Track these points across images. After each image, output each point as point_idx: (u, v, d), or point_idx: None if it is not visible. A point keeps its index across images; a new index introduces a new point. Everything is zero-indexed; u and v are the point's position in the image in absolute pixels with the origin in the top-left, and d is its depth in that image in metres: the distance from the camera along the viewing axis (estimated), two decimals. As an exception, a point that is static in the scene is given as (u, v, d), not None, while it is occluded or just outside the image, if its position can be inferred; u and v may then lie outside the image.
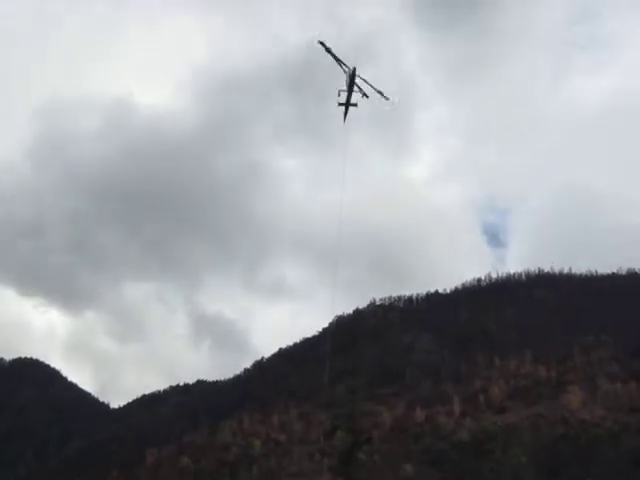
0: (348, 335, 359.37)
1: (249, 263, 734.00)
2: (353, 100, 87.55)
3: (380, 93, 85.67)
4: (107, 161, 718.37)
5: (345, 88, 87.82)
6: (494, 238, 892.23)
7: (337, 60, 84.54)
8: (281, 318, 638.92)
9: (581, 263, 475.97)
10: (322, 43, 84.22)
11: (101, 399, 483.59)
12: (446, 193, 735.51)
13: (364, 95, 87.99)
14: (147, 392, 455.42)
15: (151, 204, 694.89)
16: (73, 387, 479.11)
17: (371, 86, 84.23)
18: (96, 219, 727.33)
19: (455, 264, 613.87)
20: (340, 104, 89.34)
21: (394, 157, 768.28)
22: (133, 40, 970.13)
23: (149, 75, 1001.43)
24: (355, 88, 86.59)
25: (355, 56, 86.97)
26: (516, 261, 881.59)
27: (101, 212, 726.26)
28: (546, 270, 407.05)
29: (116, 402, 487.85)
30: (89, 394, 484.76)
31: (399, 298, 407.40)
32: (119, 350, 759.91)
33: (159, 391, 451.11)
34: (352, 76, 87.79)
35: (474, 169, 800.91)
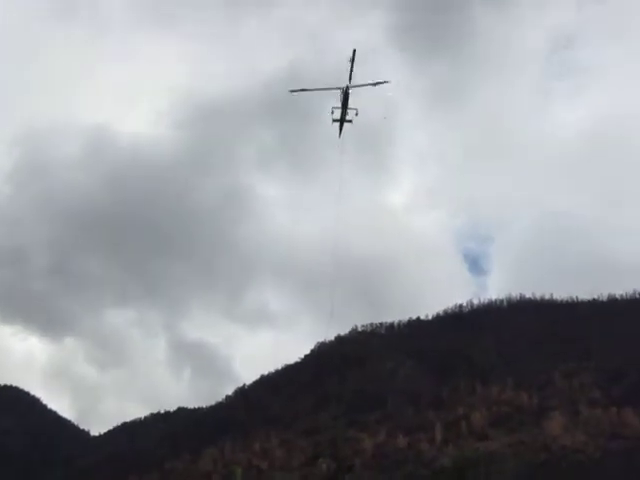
0: (330, 362, 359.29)
1: (231, 290, 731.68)
2: (347, 117, 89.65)
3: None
4: (87, 188, 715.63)
5: (338, 105, 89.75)
6: (475, 265, 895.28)
7: (321, 90, 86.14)
8: (263, 345, 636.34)
9: (562, 289, 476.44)
10: (294, 90, 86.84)
11: (81, 426, 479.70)
12: (427, 220, 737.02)
13: (356, 113, 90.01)
14: (128, 419, 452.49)
15: (132, 230, 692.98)
16: (53, 414, 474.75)
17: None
18: (76, 245, 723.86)
19: (436, 291, 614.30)
20: (335, 120, 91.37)
21: (376, 183, 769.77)
22: (113, 68, 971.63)
23: (129, 103, 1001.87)
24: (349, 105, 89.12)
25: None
26: (497, 288, 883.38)
27: (81, 238, 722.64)
28: (527, 296, 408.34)
29: (96, 429, 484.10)
30: (69, 421, 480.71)
31: (381, 325, 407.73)
32: (99, 377, 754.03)
33: (140, 418, 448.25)
34: (345, 94, 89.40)
35: (455, 196, 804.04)
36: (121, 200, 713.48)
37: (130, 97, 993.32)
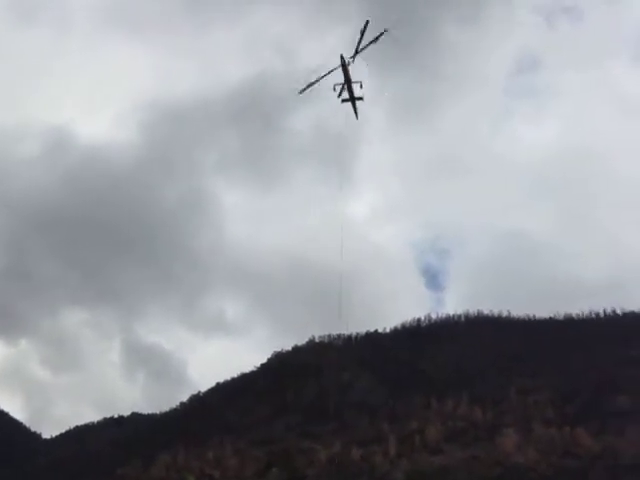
0: (286, 372, 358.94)
1: (188, 295, 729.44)
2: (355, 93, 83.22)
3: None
4: (45, 188, 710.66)
5: (341, 81, 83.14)
6: (433, 280, 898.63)
7: (325, 75, 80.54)
8: (219, 352, 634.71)
9: (519, 307, 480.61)
10: (303, 90, 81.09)
11: (33, 429, 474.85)
12: (387, 233, 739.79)
13: (361, 86, 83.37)
14: (80, 423, 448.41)
15: (90, 232, 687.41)
16: (5, 416, 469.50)
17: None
18: (33, 246, 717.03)
19: (394, 304, 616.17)
20: (344, 100, 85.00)
21: (336, 194, 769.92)
22: (75, 69, 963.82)
23: (92, 105, 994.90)
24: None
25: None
26: (455, 303, 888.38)
27: (38, 239, 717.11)
28: (485, 313, 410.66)
29: (48, 432, 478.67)
30: (21, 423, 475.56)
31: (338, 336, 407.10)
32: (53, 378, 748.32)
33: (93, 422, 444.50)
34: (344, 65, 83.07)
35: (415, 210, 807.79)
36: (79, 202, 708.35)
37: (93, 100, 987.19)
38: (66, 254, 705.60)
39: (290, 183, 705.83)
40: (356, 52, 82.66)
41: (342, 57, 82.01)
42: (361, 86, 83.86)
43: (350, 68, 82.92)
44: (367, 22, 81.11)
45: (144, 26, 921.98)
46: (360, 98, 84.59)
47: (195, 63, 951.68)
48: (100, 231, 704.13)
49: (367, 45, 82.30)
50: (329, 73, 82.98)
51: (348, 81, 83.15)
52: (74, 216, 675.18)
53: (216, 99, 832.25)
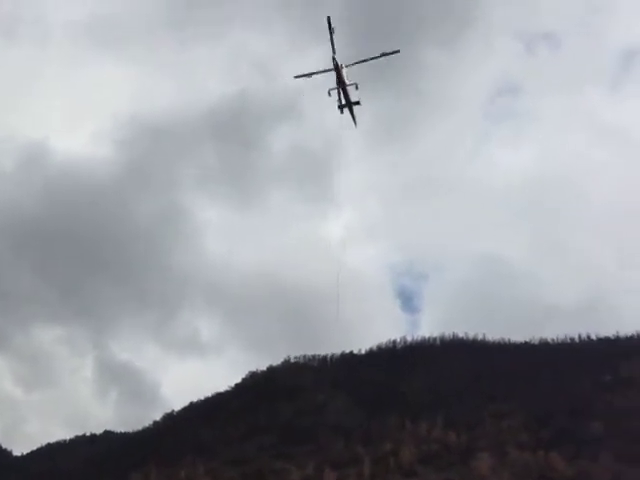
0: (261, 392, 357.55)
1: (163, 313, 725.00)
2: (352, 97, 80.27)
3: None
4: (21, 204, 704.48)
5: (335, 86, 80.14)
6: (409, 302, 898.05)
7: (322, 72, 77.45)
8: (193, 371, 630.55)
9: (495, 331, 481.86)
10: (298, 76, 78.09)
11: (4, 446, 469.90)
12: (364, 254, 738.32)
13: (357, 87, 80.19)
14: (52, 440, 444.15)
15: (66, 248, 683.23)
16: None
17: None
18: (7, 261, 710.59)
19: (370, 326, 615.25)
20: (341, 107, 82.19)
21: (314, 214, 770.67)
22: (54, 84, 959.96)
23: (70, 121, 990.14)
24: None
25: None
26: (430, 326, 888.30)
27: (13, 254, 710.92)
28: (460, 336, 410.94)
29: (19, 450, 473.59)
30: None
31: (313, 357, 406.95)
32: (25, 396, 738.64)
33: (65, 440, 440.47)
34: (336, 67, 79.99)
35: (392, 232, 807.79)
36: (55, 217, 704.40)
37: (72, 115, 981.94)
38: (41, 270, 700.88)
39: (268, 201, 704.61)
40: (334, 52, 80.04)
41: (334, 59, 79.71)
42: (356, 87, 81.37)
43: (344, 72, 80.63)
44: (329, 18, 78.78)
45: (124, 43, 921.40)
46: (357, 103, 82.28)
47: (175, 80, 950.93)
48: (75, 247, 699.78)
49: (372, 59, 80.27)
50: (324, 71, 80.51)
51: (343, 85, 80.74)
52: (49, 232, 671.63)
53: (196, 116, 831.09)
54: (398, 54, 78.12)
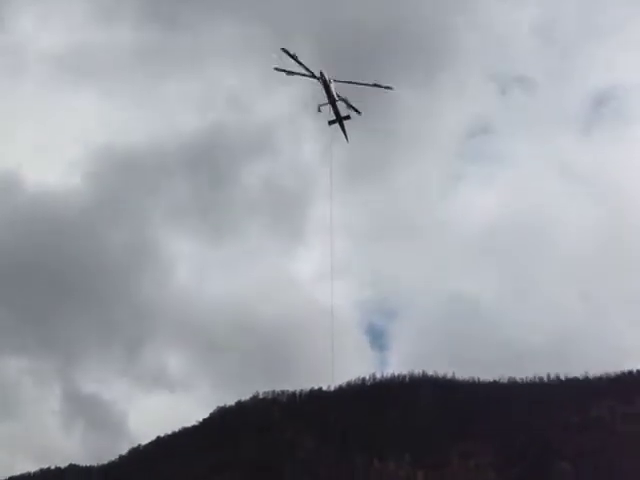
0: (229, 427, 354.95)
1: (130, 346, 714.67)
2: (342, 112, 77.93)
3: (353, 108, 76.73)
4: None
5: (324, 101, 77.48)
6: (379, 339, 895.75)
7: (302, 66, 74.38)
8: (161, 405, 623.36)
9: (463, 370, 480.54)
10: (285, 50, 74.18)
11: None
12: (333, 291, 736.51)
13: (349, 106, 77.83)
14: (16, 473, 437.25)
15: (33, 279, 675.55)
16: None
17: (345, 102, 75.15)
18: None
19: (339, 363, 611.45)
20: (330, 122, 79.70)
21: (286, 249, 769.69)
22: (27, 115, 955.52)
23: (41, 152, 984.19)
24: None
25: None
26: (400, 364, 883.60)
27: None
28: (429, 374, 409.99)
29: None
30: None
31: (282, 393, 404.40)
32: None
33: (29, 473, 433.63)
34: (324, 82, 77.50)
35: (363, 270, 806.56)
36: (24, 247, 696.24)
37: (43, 146, 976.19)
38: (7, 300, 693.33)
39: (240, 236, 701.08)
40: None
41: (322, 74, 77.38)
42: (346, 103, 79.30)
43: (333, 86, 78.52)
44: (321, 72, 77.38)
45: (98, 75, 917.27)
46: (347, 117, 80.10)
47: (148, 112, 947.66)
48: (44, 278, 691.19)
49: (362, 84, 78.60)
50: (307, 76, 77.83)
51: (332, 100, 78.40)
52: (17, 262, 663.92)
53: (168, 149, 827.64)
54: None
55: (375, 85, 79.00)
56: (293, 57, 75.94)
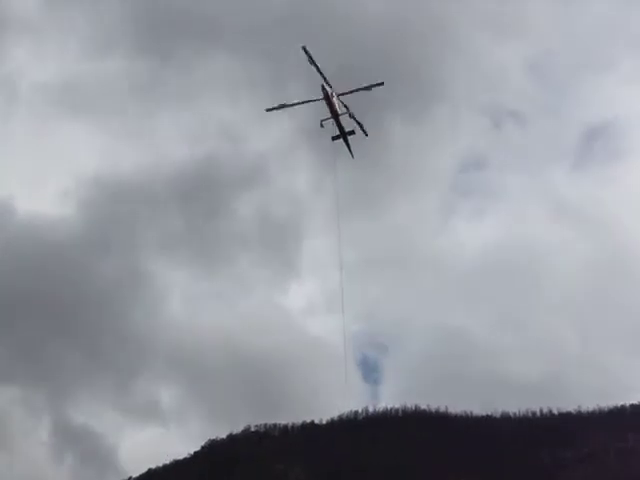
0: (220, 460, 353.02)
1: (122, 377, 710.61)
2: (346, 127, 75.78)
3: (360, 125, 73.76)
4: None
5: (327, 115, 74.78)
6: (371, 373, 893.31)
7: (300, 103, 71.36)
8: (151, 437, 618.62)
9: (457, 403, 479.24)
10: (270, 109, 71.32)
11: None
12: (325, 324, 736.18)
13: (352, 116, 75.14)
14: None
15: (25, 307, 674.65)
16: None
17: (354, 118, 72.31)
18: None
19: (331, 396, 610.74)
20: (334, 138, 77.35)
21: (278, 281, 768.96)
22: (19, 144, 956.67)
23: (32, 180, 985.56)
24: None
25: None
26: (392, 397, 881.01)
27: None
28: (422, 407, 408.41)
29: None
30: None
31: (274, 426, 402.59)
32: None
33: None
34: (326, 95, 74.90)
35: (355, 303, 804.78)
36: (14, 278, 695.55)
37: (35, 176, 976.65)
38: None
39: (232, 267, 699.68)
40: (328, 83, 75.22)
41: (324, 87, 74.72)
42: (350, 115, 76.72)
43: (335, 100, 76.14)
44: (322, 86, 75.31)
45: (91, 107, 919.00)
46: (352, 132, 77.71)
47: (141, 144, 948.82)
48: (35, 308, 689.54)
49: (355, 91, 76.26)
50: (308, 102, 75.94)
51: (335, 114, 75.87)
52: (8, 292, 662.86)
53: (161, 180, 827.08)
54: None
55: (367, 87, 76.40)
56: (310, 58, 73.07)
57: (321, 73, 72.99)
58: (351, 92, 76.03)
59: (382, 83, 76.11)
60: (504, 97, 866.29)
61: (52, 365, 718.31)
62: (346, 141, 78.26)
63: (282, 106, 74.36)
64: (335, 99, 76.12)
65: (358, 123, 77.97)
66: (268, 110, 73.33)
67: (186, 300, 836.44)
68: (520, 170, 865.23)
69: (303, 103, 76.13)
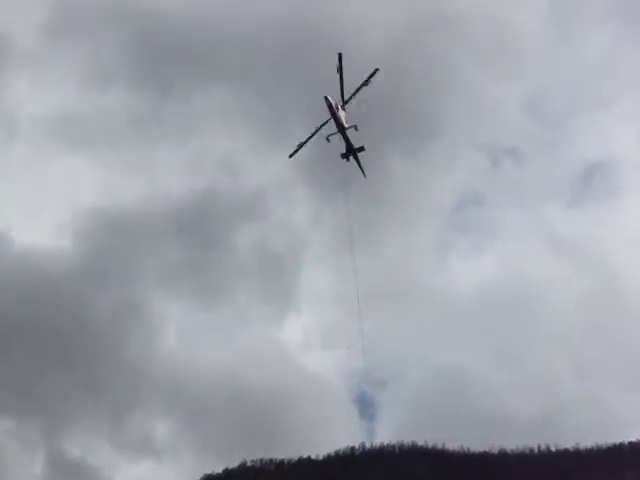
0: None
1: (118, 410, 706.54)
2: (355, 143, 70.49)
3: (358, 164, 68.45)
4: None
5: (333, 130, 70.30)
6: (367, 408, 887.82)
7: (314, 135, 66.36)
8: (147, 471, 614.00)
9: (454, 440, 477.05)
10: (293, 154, 67.31)
11: None
12: (322, 359, 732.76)
13: (356, 128, 69.84)
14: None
15: (20, 339, 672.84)
16: None
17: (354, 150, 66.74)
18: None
19: (327, 432, 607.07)
20: (344, 155, 73.43)
21: (275, 315, 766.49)
22: (17, 176, 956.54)
23: (30, 212, 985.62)
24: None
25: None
26: (389, 433, 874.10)
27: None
28: (420, 444, 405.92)
29: None
30: None
31: (270, 461, 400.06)
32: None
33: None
34: (330, 106, 70.94)
35: (352, 338, 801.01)
36: (10, 309, 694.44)
37: (33, 207, 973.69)
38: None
39: (230, 300, 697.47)
40: (344, 99, 71.87)
41: (327, 99, 71.07)
42: (356, 129, 72.40)
43: (341, 114, 72.11)
44: (325, 97, 72.55)
45: (90, 140, 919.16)
46: (362, 148, 74.38)
47: (139, 177, 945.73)
48: (30, 339, 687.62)
49: (357, 90, 72.48)
50: (321, 127, 72.67)
51: (342, 130, 72.13)
52: (3, 323, 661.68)
53: (159, 213, 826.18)
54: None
55: (365, 82, 73.83)
56: (340, 67, 71.48)
57: (342, 85, 70.85)
58: (353, 95, 73.55)
59: (377, 70, 74.28)
60: (501, 134, 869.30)
61: (47, 397, 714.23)
62: (356, 158, 75.79)
63: (300, 146, 71.63)
64: (341, 112, 73.46)
65: (357, 149, 75.21)
66: (291, 156, 71.39)
67: (183, 333, 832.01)
68: (517, 207, 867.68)
69: (315, 133, 73.18)
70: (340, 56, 71.20)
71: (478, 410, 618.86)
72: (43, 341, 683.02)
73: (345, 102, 71.01)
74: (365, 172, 77.71)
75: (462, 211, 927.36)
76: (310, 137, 71.31)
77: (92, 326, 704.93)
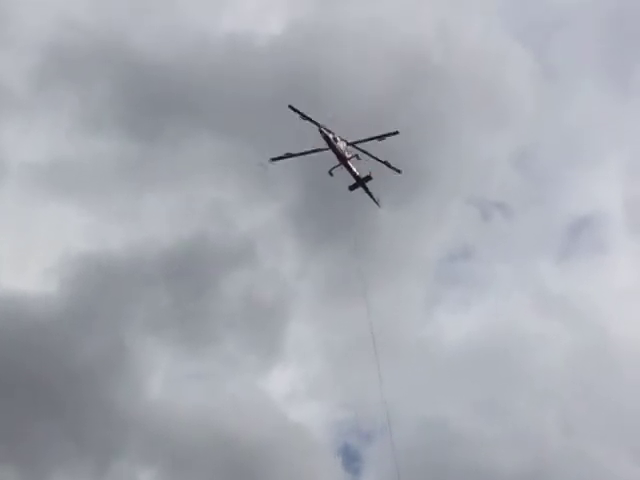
0: None
1: (102, 457, 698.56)
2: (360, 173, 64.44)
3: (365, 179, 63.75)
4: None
5: (335, 162, 66.15)
6: (352, 461, 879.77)
7: (311, 120, 60.05)
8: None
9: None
10: (275, 159, 61.22)
11: None
12: (307, 411, 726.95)
13: (358, 157, 65.48)
14: None
15: (4, 384, 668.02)
16: None
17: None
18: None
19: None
20: (351, 187, 68.52)
21: (262, 365, 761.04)
22: (4, 222, 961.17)
23: (16, 258, 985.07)
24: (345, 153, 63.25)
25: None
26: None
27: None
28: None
29: None
30: None
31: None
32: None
33: None
34: (326, 138, 65.92)
35: (337, 390, 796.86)
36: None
37: (19, 254, 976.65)
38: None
39: (217, 348, 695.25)
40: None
41: (322, 131, 65.66)
42: (358, 158, 67.14)
43: (340, 145, 66.74)
44: (318, 124, 65.29)
45: (78, 186, 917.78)
46: (369, 178, 68.64)
47: (128, 223, 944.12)
48: (15, 386, 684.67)
49: (369, 140, 66.18)
50: (314, 152, 65.59)
51: (344, 161, 67.08)
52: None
53: (148, 259, 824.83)
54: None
55: (380, 137, 67.23)
56: (301, 114, 65.16)
57: (316, 123, 64.68)
58: (362, 142, 67.59)
59: (397, 132, 67.76)
60: (491, 188, 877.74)
61: (30, 444, 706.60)
62: (365, 188, 70.01)
63: (288, 155, 66.11)
64: (340, 143, 66.96)
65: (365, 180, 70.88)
66: (273, 159, 65.49)
67: (169, 380, 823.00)
68: (506, 261, 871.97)
69: (310, 153, 65.27)
70: (292, 107, 62.38)
71: (464, 464, 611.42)
72: (27, 387, 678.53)
73: (350, 143, 66.17)
74: (379, 202, 72.99)
75: (451, 264, 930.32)
76: (302, 154, 65.65)
77: (77, 372, 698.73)
